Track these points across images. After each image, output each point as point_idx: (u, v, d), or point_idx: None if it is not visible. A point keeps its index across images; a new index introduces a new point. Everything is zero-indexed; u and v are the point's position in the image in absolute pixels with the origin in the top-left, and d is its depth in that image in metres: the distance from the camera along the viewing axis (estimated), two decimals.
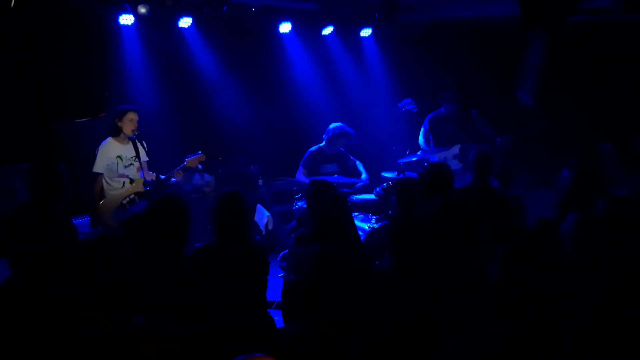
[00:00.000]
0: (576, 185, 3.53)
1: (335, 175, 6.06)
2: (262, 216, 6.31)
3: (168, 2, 6.22)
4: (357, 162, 6.41)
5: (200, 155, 5.22)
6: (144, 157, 5.09)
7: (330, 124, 6.39)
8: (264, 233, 6.28)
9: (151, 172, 5.26)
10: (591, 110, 6.90)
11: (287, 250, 5.91)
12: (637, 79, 6.67)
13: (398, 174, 5.87)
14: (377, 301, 2.75)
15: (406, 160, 6.02)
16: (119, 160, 5.02)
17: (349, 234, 3.45)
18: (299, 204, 6.13)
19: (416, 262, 2.80)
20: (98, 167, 4.99)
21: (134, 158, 5.04)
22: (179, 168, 5.09)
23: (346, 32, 7.55)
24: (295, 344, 2.41)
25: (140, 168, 5.06)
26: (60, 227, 3.63)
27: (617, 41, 6.80)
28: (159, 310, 2.77)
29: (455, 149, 6.44)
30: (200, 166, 5.38)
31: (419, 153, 6.24)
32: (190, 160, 5.16)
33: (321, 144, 6.32)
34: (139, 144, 4.98)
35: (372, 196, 6.03)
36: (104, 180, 5.01)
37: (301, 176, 6.37)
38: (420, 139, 6.69)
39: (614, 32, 6.82)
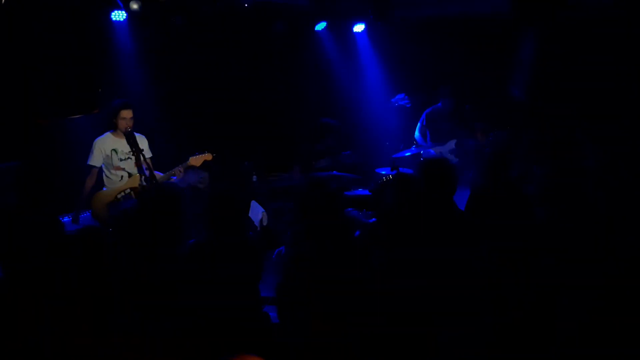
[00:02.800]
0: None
1: (333, 172, 6.07)
2: (257, 212, 6.31)
3: None
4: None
5: (205, 154, 5.13)
6: (148, 153, 5.04)
7: (323, 120, 6.40)
8: (258, 229, 6.29)
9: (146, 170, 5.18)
10: (581, 105, 6.93)
11: (283, 247, 5.94)
12: (626, 74, 6.71)
13: (392, 170, 5.89)
14: (369, 297, 2.77)
15: (400, 155, 6.05)
16: (113, 153, 5.02)
17: (342, 231, 3.46)
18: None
19: (406, 259, 2.81)
20: (92, 159, 4.98)
21: (131, 152, 5.01)
22: (180, 166, 5.04)
23: (339, 28, 7.55)
24: (289, 339, 2.43)
25: (141, 163, 4.99)
26: (48, 227, 3.61)
27: (607, 36, 6.83)
28: (152, 307, 2.78)
29: (452, 144, 6.45)
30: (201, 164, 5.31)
31: (412, 148, 6.26)
32: (193, 159, 5.10)
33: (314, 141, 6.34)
34: (138, 139, 4.94)
35: (367, 192, 6.06)
36: (104, 174, 5.01)
37: (297, 174, 6.40)
38: (417, 134, 6.69)
39: (604, 27, 6.84)
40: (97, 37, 5.99)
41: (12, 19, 5.28)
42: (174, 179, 5.08)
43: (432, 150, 6.38)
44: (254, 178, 6.79)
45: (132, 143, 4.90)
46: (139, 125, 5.12)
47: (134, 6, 5.91)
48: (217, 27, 6.71)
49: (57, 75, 5.71)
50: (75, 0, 5.68)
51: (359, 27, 7.63)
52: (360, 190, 6.15)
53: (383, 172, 6.06)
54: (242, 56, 7.05)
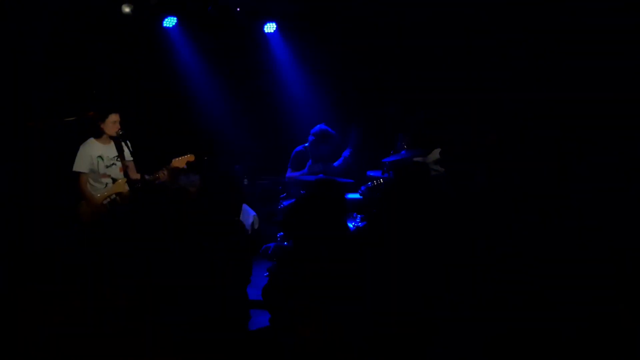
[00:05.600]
0: None
1: (320, 175, 6.08)
2: (248, 215, 6.31)
3: (152, 1, 6.21)
4: (345, 153, 6.38)
5: (187, 156, 5.14)
6: (129, 157, 5.03)
7: (315, 123, 6.41)
8: (249, 232, 6.29)
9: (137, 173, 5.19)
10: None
11: (270, 244, 5.96)
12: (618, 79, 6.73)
13: (383, 173, 5.91)
14: (357, 296, 2.79)
15: (391, 159, 6.05)
16: (99, 160, 4.95)
17: (337, 232, 3.48)
18: (284, 203, 6.15)
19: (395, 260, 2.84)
20: (77, 166, 4.92)
21: (116, 158, 4.99)
22: (164, 169, 5.05)
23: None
24: (275, 342, 2.45)
25: (124, 168, 5.00)
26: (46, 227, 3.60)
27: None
28: (145, 308, 2.79)
29: (436, 153, 6.41)
30: (185, 165, 5.33)
31: (402, 152, 6.26)
32: (176, 160, 5.12)
33: (307, 144, 6.33)
34: (123, 144, 4.94)
35: (357, 195, 6.06)
36: (88, 182, 4.95)
37: (291, 174, 6.40)
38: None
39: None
40: (89, 40, 5.99)
41: (2, 20, 5.28)
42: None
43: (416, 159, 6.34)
44: (245, 181, 6.81)
45: (120, 148, 4.90)
46: (129, 128, 5.08)
47: (126, 9, 5.92)
48: (208, 30, 6.72)
49: (50, 78, 5.71)
50: (66, 3, 5.68)
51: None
52: (351, 194, 6.16)
53: (374, 176, 6.07)
54: (234, 59, 7.06)
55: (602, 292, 2.56)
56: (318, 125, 6.20)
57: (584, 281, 2.65)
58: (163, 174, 5.02)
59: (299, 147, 6.37)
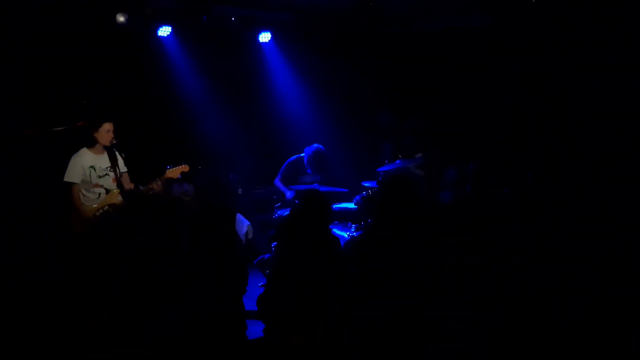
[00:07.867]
0: None
1: (315, 184, 6.07)
2: (242, 225, 6.30)
3: (147, 10, 6.21)
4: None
5: (182, 166, 5.12)
6: (123, 167, 4.99)
7: (309, 132, 6.42)
8: (243, 242, 6.27)
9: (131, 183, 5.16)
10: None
11: (265, 255, 5.94)
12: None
13: (377, 183, 5.92)
14: (348, 309, 2.78)
15: (385, 169, 6.07)
16: (91, 171, 4.89)
17: (327, 244, 3.47)
18: (278, 212, 6.14)
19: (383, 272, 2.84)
20: (69, 176, 4.85)
21: (109, 168, 4.94)
22: (158, 179, 5.01)
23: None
24: (265, 352, 2.44)
25: (117, 178, 4.95)
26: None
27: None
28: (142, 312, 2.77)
29: (419, 159, 6.46)
30: (179, 175, 5.31)
31: (397, 162, 6.28)
32: (170, 171, 5.08)
33: (301, 154, 6.33)
34: (117, 154, 4.91)
35: (352, 205, 6.07)
36: (80, 192, 4.90)
37: (278, 182, 6.40)
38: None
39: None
40: (85, 49, 5.99)
41: None
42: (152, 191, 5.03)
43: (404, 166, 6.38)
44: (240, 191, 6.80)
45: (114, 158, 4.87)
46: (123, 138, 5.06)
47: (121, 19, 5.92)
48: (203, 39, 6.73)
49: (43, 86, 5.70)
50: (63, 12, 5.68)
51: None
52: (346, 204, 6.17)
53: (368, 185, 6.08)
54: (229, 69, 7.07)
55: (601, 290, 2.57)
56: (314, 149, 6.19)
57: (582, 279, 2.66)
58: (157, 185, 4.99)
59: (293, 158, 6.37)
